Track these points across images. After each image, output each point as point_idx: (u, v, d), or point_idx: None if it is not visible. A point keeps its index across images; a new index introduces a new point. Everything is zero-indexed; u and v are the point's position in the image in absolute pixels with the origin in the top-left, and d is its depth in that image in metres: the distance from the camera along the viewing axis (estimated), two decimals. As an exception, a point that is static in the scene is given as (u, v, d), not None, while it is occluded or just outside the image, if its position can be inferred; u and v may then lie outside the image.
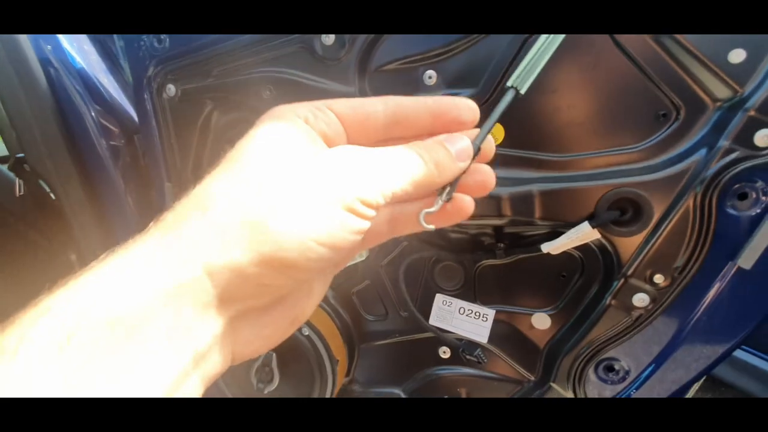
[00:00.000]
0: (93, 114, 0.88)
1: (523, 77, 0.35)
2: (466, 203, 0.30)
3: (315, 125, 0.26)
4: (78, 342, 0.18)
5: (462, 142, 0.28)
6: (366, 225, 0.24)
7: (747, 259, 0.49)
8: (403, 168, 0.25)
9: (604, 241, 0.55)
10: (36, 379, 0.18)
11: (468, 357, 0.61)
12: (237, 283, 0.22)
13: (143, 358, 0.20)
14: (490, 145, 0.31)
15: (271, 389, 0.70)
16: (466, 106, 0.30)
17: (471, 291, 0.66)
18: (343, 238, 0.23)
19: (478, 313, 0.67)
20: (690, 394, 0.68)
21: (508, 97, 0.33)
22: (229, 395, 0.76)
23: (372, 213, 0.24)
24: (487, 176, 0.30)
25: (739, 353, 1.28)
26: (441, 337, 0.63)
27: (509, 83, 0.35)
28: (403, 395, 0.73)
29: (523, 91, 0.35)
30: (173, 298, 0.21)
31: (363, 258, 0.69)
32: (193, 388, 0.22)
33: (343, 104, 0.28)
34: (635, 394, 0.60)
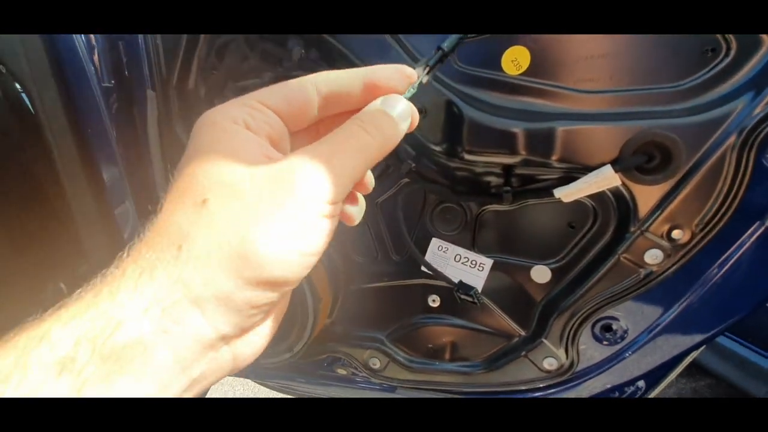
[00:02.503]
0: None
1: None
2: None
3: (258, 129, 0.25)
4: (72, 372, 0.19)
5: (401, 104, 0.28)
6: (338, 218, 0.26)
7: (778, 220, 0.45)
8: (359, 154, 0.26)
9: (622, 189, 0.50)
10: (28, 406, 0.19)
11: (463, 297, 0.57)
12: (227, 310, 0.22)
13: (135, 389, 0.21)
14: (416, 116, 0.30)
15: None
16: (402, 76, 0.29)
17: (469, 237, 0.62)
18: (324, 240, 0.25)
19: (474, 262, 0.63)
20: (671, 378, 0.65)
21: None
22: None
23: (341, 206, 0.26)
24: None
25: (722, 340, 1.28)
26: (437, 273, 0.59)
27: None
28: (386, 340, 0.70)
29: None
30: (165, 334, 0.21)
31: (358, 192, 0.64)
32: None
33: (277, 98, 0.26)
34: (629, 357, 0.57)
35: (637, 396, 0.64)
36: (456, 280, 0.62)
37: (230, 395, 1.68)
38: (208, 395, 1.02)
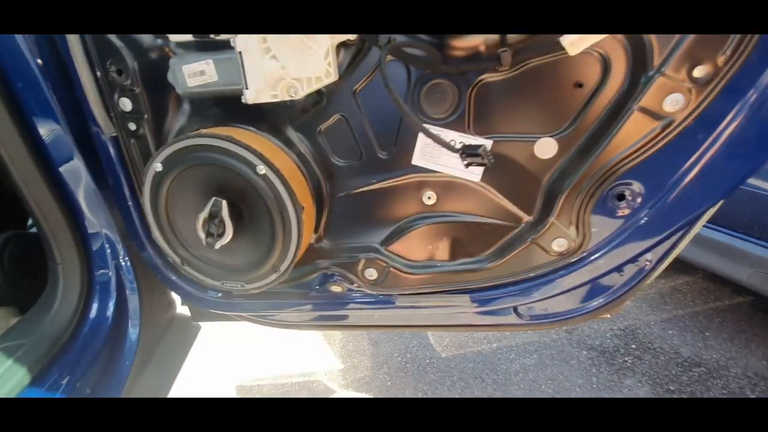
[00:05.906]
0: None
1: None
2: None
3: None
4: None
5: None
6: None
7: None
8: None
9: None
10: None
11: (470, 159, 0.51)
12: None
13: None
14: None
15: (224, 243, 0.58)
16: None
17: (464, 118, 0.55)
18: None
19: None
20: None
21: None
22: (171, 254, 0.65)
23: None
24: None
25: (702, 230, 1.30)
26: (435, 139, 0.50)
27: None
28: (380, 248, 0.64)
29: None
30: None
31: (332, 79, 0.55)
32: None
33: None
34: (640, 227, 0.54)
35: (645, 273, 0.61)
36: (451, 172, 0.56)
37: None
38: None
